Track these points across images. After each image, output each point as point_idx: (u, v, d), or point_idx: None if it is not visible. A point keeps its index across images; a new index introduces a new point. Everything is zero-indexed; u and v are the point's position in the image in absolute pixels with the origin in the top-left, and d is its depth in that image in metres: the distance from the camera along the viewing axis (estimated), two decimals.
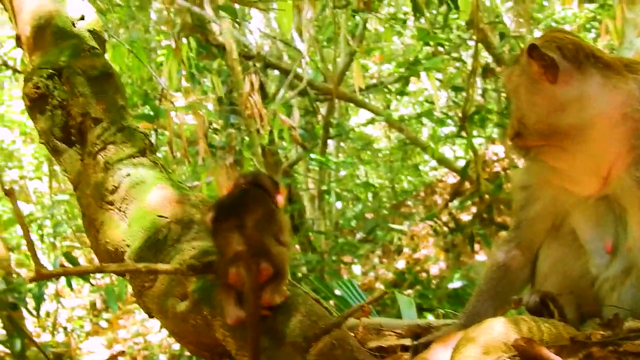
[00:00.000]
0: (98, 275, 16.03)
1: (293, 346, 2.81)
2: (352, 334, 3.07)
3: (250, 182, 3.17)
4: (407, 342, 3.21)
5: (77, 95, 3.85)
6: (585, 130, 3.06)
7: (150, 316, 3.38)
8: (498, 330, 2.60)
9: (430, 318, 6.75)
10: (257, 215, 2.93)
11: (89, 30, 4.19)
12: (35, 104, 3.94)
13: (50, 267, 3.20)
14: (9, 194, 3.31)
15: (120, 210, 3.58)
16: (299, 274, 12.34)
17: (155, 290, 3.24)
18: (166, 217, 3.39)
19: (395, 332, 3.37)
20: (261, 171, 7.85)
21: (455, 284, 12.36)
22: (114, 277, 16.77)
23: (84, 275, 9.16)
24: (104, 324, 18.54)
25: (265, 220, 2.95)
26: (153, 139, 6.86)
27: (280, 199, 3.15)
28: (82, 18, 4.20)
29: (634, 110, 3.04)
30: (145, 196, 3.51)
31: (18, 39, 4.31)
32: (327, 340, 2.80)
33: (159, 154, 4.04)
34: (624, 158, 3.06)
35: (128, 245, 3.43)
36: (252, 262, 2.81)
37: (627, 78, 3.09)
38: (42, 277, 3.00)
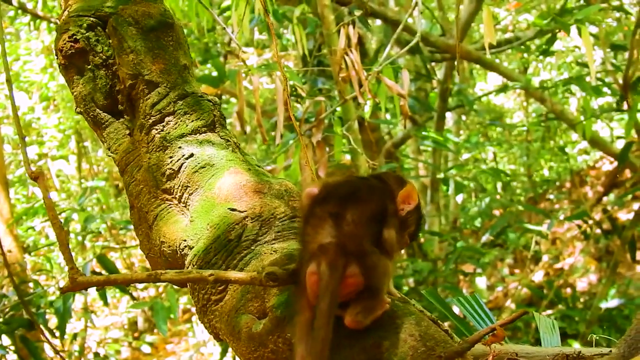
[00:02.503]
0: (140, 285, 16.17)
1: None
2: None
3: (374, 175, 3.10)
4: None
5: (126, 51, 3.80)
6: None
7: (218, 339, 3.33)
8: None
9: (576, 346, 6.69)
10: (365, 209, 2.80)
11: None
12: (72, 62, 3.93)
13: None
14: (37, 177, 3.26)
15: (180, 202, 3.57)
16: (405, 287, 12.34)
17: (225, 305, 3.18)
18: (241, 211, 3.32)
19: None
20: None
21: (610, 303, 12.25)
22: (161, 287, 16.95)
23: (129, 285, 9.11)
24: (146, 348, 18.77)
25: (373, 219, 2.81)
26: None
27: (406, 198, 2.97)
28: None
29: None
30: (213, 183, 3.47)
31: None
32: None
33: None
34: None
35: (190, 247, 3.39)
36: (339, 261, 2.66)
37: None
38: (79, 286, 2.94)
